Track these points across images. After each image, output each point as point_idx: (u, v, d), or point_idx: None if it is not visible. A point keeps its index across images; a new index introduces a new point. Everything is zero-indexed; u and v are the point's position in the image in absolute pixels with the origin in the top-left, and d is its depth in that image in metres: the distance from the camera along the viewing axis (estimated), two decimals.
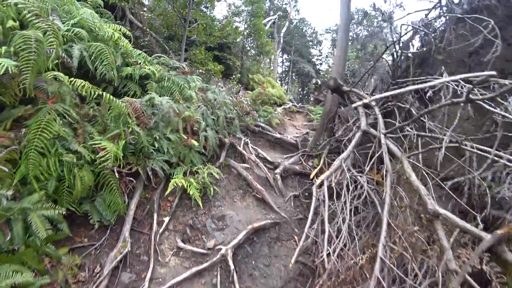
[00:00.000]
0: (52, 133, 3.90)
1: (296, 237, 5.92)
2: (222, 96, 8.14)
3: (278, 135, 10.04)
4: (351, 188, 4.58)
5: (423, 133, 4.94)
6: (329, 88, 7.70)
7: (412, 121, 4.92)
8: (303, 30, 32.19)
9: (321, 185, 4.77)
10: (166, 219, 5.30)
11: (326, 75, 28.21)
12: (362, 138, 6.26)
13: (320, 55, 32.34)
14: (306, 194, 7.56)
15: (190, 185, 5.41)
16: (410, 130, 5.11)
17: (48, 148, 3.94)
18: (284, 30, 27.93)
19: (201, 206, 5.41)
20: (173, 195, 5.66)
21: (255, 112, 11.43)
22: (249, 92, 14.03)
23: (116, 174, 4.60)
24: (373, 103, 6.21)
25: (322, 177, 4.55)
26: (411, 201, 3.93)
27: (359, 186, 4.89)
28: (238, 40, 18.08)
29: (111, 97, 4.47)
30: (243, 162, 7.84)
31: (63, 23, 5.10)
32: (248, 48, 18.54)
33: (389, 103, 6.92)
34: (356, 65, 17.09)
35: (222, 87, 9.83)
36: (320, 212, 4.39)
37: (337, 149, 9.32)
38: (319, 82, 18.51)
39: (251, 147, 8.81)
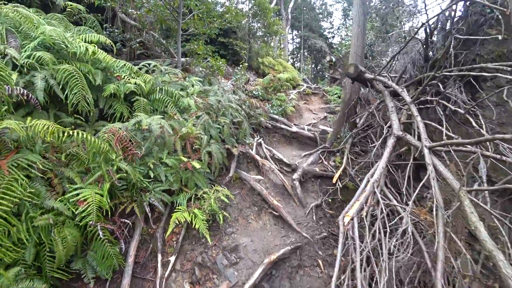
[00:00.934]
0: (15, 199, 3.09)
1: (320, 262, 5.02)
2: (227, 97, 7.12)
3: (294, 129, 8.99)
4: (386, 221, 3.58)
5: (495, 156, 3.51)
6: (349, 76, 6.51)
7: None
8: (312, 3, 30.00)
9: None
10: (172, 259, 4.50)
11: (339, 49, 26.32)
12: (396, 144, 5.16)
13: (331, 28, 30.22)
14: (329, 200, 6.61)
15: (195, 218, 4.56)
16: (469, 146, 3.82)
17: (11, 219, 3.14)
18: (291, 5, 26.01)
19: (209, 241, 4.57)
20: (179, 227, 4.85)
21: (267, 104, 10.37)
22: (260, 79, 12.89)
23: (106, 224, 3.80)
24: (408, 99, 5.03)
25: (351, 213, 3.55)
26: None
27: (396, 215, 3.86)
28: (243, 22, 16.71)
29: (85, 134, 3.59)
30: (256, 169, 6.92)
31: (23, 47, 4.19)
32: (255, 30, 17.14)
33: (425, 93, 5.67)
34: (373, 38, 15.44)
35: (227, 83, 8.75)
36: (349, 252, 3.47)
37: (360, 143, 8.22)
38: (334, 59, 16.99)
39: (265, 147, 7.84)
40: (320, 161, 7.69)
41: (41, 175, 3.58)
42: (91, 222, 3.42)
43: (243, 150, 6.59)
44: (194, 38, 9.81)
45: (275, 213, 5.65)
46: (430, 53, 6.36)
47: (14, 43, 4.52)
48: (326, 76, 25.11)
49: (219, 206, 5.02)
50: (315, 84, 17.28)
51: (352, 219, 3.45)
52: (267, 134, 8.88)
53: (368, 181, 4.20)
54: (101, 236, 3.46)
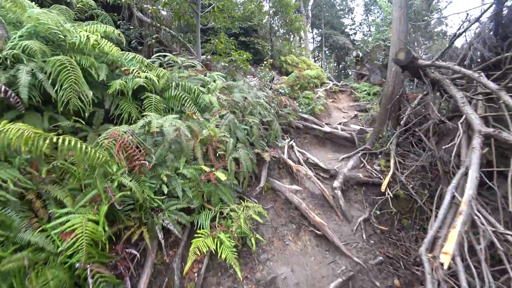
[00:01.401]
0: None
1: None
2: (254, 93, 6.04)
3: (327, 129, 7.78)
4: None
5: None
6: (399, 64, 5.26)
7: None
8: (332, 0, 28.60)
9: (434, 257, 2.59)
10: None
11: (362, 46, 24.76)
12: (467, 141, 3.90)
13: (353, 24, 28.64)
14: (378, 213, 5.38)
15: (220, 245, 3.50)
16: None
17: None
18: (311, 3, 24.73)
19: (239, 275, 3.47)
20: (201, 254, 3.80)
21: (295, 102, 9.23)
22: (284, 77, 11.77)
23: (104, 263, 2.80)
24: (493, 85, 3.77)
25: (449, 248, 2.37)
26: None
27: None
28: (264, 21, 15.67)
29: (72, 142, 2.60)
30: (290, 176, 5.80)
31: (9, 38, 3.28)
32: (276, 28, 16.05)
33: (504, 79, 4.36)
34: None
35: (252, 79, 7.67)
36: None
37: (404, 143, 6.92)
38: (361, 54, 15.60)
39: (297, 150, 6.70)
40: (362, 165, 6.47)
41: (17, 197, 2.62)
42: (78, 264, 2.42)
43: (275, 154, 5.47)
44: (215, 34, 8.81)
45: (317, 232, 4.49)
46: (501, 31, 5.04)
47: (0, 32, 3.64)
48: (350, 73, 23.64)
49: (250, 228, 3.93)
50: (341, 82, 15.97)
51: (453, 258, 2.27)
52: (298, 135, 7.74)
53: (453, 196, 3.00)
54: (90, 285, 2.44)
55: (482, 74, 4.15)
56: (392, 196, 5.55)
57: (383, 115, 6.92)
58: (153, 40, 7.03)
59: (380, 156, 6.68)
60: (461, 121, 4.11)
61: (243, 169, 4.29)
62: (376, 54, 14.99)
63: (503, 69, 4.30)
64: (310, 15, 24.54)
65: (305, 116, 8.58)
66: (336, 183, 5.54)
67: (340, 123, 10.75)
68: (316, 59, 27.73)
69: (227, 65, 6.92)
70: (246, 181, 4.46)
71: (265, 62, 10.00)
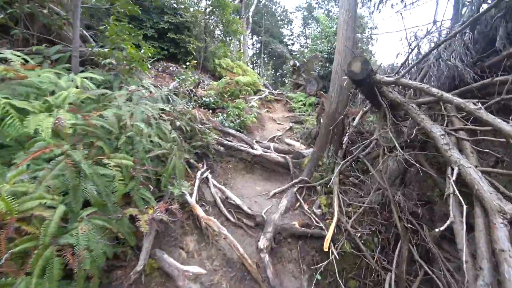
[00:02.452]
0: None
1: None
2: (141, 112, 3.74)
3: (257, 151, 5.85)
4: None
5: None
6: (352, 77, 3.47)
7: None
8: (273, 9, 27.29)
9: None
10: None
11: (299, 56, 23.84)
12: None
13: (291, 35, 27.66)
14: (319, 278, 3.62)
15: None
16: None
17: None
18: (252, 8, 23.01)
19: None
20: None
21: (219, 115, 7.18)
22: (215, 82, 9.67)
23: None
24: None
25: None
26: None
27: None
28: (199, 18, 13.38)
29: None
30: (198, 232, 3.72)
31: None
32: (212, 28, 13.85)
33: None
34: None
35: (153, 87, 5.27)
36: None
37: (353, 169, 5.34)
38: (298, 64, 14.22)
39: (214, 185, 4.67)
40: (298, 204, 4.67)
41: None
42: None
43: (171, 206, 3.30)
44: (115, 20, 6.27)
45: None
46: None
47: None
48: (287, 82, 22.49)
49: None
50: (277, 90, 14.41)
51: None
52: (220, 159, 5.70)
53: None
54: None
55: (481, 106, 2.55)
56: (336, 253, 3.82)
57: (324, 138, 5.25)
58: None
59: (320, 189, 4.98)
60: (449, 173, 2.49)
61: (85, 265, 2.06)
62: (313, 65, 13.73)
63: (496, 97, 2.78)
64: (251, 20, 22.78)
65: (232, 131, 6.58)
66: (263, 242, 3.61)
67: (274, 137, 9.02)
68: (254, 65, 26.13)
69: (113, 62, 4.54)
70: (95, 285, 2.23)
71: (188, 63, 7.78)
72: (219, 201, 4.41)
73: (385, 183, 4.23)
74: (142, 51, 4.97)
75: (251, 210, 4.35)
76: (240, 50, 22.13)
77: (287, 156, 5.66)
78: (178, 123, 4.36)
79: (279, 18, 27.26)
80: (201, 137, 5.09)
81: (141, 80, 4.84)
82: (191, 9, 12.96)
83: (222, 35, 15.05)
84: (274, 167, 5.79)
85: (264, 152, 6.02)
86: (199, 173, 4.65)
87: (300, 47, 26.91)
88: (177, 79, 7.30)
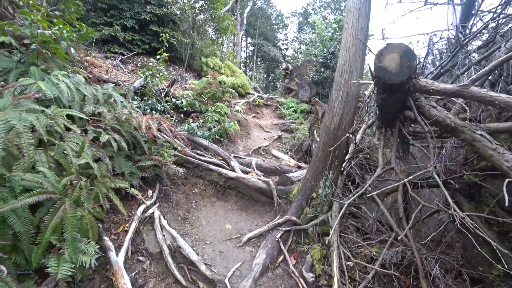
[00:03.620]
0: None
1: None
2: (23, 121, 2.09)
3: (232, 173, 4.23)
4: None
5: None
6: (382, 79, 1.93)
7: None
8: (268, 12, 25.72)
9: None
10: None
11: (292, 61, 22.36)
12: None
13: (286, 40, 26.12)
14: None
15: None
16: None
17: None
18: (247, 10, 21.44)
19: None
20: None
21: (192, 121, 5.54)
22: (195, 82, 8.03)
23: None
24: None
25: None
26: None
27: None
28: (187, 12, 11.71)
29: None
30: None
31: None
32: (201, 23, 12.18)
33: None
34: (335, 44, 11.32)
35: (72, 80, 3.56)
36: None
37: (359, 209, 3.79)
38: (290, 68, 12.68)
39: (161, 227, 3.07)
40: (282, 258, 3.11)
41: None
42: None
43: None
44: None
45: None
46: None
47: None
48: (279, 86, 20.99)
49: None
50: (267, 94, 12.83)
51: None
52: (183, 181, 4.09)
53: None
54: None
55: None
56: None
57: (320, 162, 3.68)
58: None
59: (312, 232, 3.43)
60: None
61: None
62: (307, 69, 12.21)
63: None
64: (245, 22, 21.20)
65: (204, 142, 4.97)
66: None
67: (259, 148, 7.46)
68: (246, 67, 24.53)
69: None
70: None
71: (158, 57, 6.13)
72: (166, 252, 2.80)
73: (410, 240, 2.69)
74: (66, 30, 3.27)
75: (211, 270, 2.74)
76: (234, 51, 20.56)
77: (270, 181, 4.06)
78: (106, 137, 2.72)
79: (274, 21, 25.74)
80: (150, 155, 3.45)
81: (63, 70, 3.16)
82: (179, 1, 11.30)
83: (212, 32, 13.40)
84: (253, 193, 4.19)
85: (242, 173, 4.41)
86: (140, 209, 3.02)
87: (294, 52, 25.49)
88: (142, 75, 5.63)
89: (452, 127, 2.05)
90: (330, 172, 3.63)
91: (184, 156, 4.20)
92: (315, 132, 6.42)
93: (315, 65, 11.34)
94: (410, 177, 2.75)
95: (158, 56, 6.00)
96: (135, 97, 5.37)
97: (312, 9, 23.75)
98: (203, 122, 5.94)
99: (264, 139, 8.38)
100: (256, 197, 4.19)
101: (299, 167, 5.99)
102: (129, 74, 8.79)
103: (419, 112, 2.25)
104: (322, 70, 10.74)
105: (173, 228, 3.21)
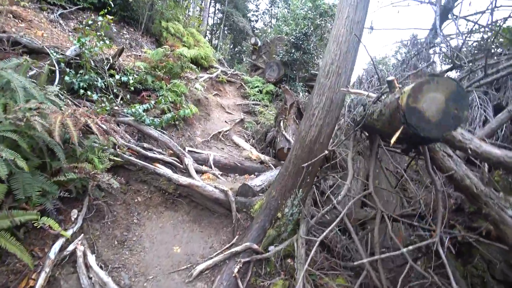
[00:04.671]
0: None
1: None
2: None
3: (183, 179, 3.33)
4: None
5: None
6: (419, 132, 1.19)
7: None
8: None
9: None
10: None
11: (261, 35, 20.91)
12: None
13: (257, 11, 24.12)
14: None
15: None
16: None
17: None
18: None
19: None
20: None
21: (135, 107, 4.41)
22: (150, 52, 6.62)
23: None
24: None
25: None
26: None
27: None
28: None
29: None
30: None
31: None
32: None
33: None
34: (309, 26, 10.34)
35: None
36: None
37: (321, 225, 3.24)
38: (259, 43, 11.50)
39: (86, 265, 2.20)
40: None
41: None
42: None
43: None
44: None
45: None
46: None
47: None
48: (244, 60, 19.64)
49: None
50: (232, 70, 11.61)
51: None
52: (123, 189, 3.14)
53: None
54: None
55: None
56: None
57: (290, 178, 2.98)
58: None
59: (275, 261, 2.82)
60: None
61: None
62: (276, 47, 11.16)
63: None
64: None
65: (153, 132, 3.96)
66: None
67: (219, 133, 6.60)
68: (212, 35, 22.45)
69: None
70: None
71: (100, 18, 4.71)
72: None
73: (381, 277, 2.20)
74: None
75: None
76: (200, 17, 18.45)
77: (229, 192, 3.29)
78: None
79: None
80: (75, 163, 2.43)
81: None
82: None
83: None
84: (209, 203, 3.41)
85: (196, 175, 3.57)
86: (55, 246, 2.08)
87: (263, 26, 23.84)
88: (76, 42, 4.25)
89: (473, 193, 1.44)
90: (300, 190, 2.97)
91: (125, 156, 3.20)
92: (281, 123, 5.70)
93: (286, 44, 10.34)
94: (392, 214, 2.20)
95: (100, 18, 4.59)
96: (68, 70, 4.05)
97: None
98: (155, 103, 4.84)
99: (225, 121, 7.49)
100: (212, 208, 3.42)
101: (262, 163, 5.30)
102: (70, 33, 7.03)
103: (433, 163, 1.60)
104: (293, 51, 9.83)
105: (107, 258, 2.36)
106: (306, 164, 2.79)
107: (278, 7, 22.74)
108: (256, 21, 23.62)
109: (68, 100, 3.51)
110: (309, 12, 11.68)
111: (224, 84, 9.69)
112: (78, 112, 2.49)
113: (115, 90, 4.74)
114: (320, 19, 11.08)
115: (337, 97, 2.76)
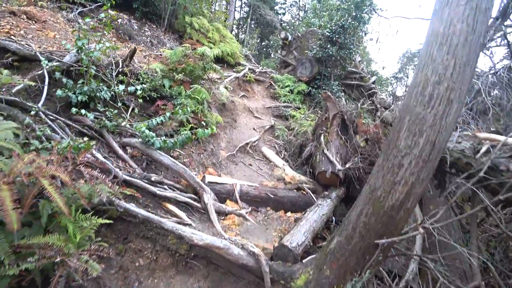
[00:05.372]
0: None
1: None
2: None
3: (198, 238, 2.34)
4: None
5: None
6: None
7: None
8: None
9: None
10: None
11: (289, 28, 19.43)
12: None
13: (284, 3, 22.52)
14: None
15: None
16: None
17: None
18: None
19: None
20: None
21: (141, 128, 3.45)
22: (168, 51, 5.68)
23: None
24: None
25: None
26: None
27: None
28: None
29: None
30: None
31: None
32: None
33: None
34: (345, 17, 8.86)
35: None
36: None
37: None
38: (290, 38, 10.20)
39: None
40: None
41: None
42: None
43: None
44: None
45: None
46: None
47: None
48: (272, 54, 18.37)
49: None
50: (260, 67, 10.43)
51: None
52: (117, 251, 2.25)
53: None
54: None
55: None
56: None
57: (354, 256, 1.92)
58: None
59: None
60: None
61: None
62: (308, 42, 9.82)
63: None
64: None
65: (165, 160, 3.03)
66: None
67: (247, 144, 5.61)
68: (239, 30, 21.30)
69: None
70: None
71: (102, 15, 3.78)
72: None
73: None
74: None
75: None
76: (226, 10, 17.36)
77: (261, 257, 2.27)
78: None
79: None
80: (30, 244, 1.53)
81: None
82: None
83: None
84: (233, 268, 2.43)
85: (218, 226, 2.59)
86: None
87: (291, 19, 22.26)
88: (68, 47, 3.37)
89: None
90: (368, 271, 1.87)
91: (122, 204, 2.27)
92: (322, 138, 4.56)
93: (319, 38, 9.00)
94: None
95: (102, 15, 3.67)
96: (65, 80, 3.20)
97: None
98: (172, 113, 3.90)
99: (253, 129, 6.46)
100: (237, 273, 2.43)
101: (298, 189, 4.22)
102: (88, 32, 6.31)
103: None
104: (328, 46, 8.48)
105: None
106: (384, 241, 1.67)
107: None
108: (284, 14, 22.01)
109: (50, 127, 2.64)
110: (344, 2, 10.15)
111: (252, 83, 8.61)
112: (37, 164, 1.56)
113: (125, 100, 3.86)
114: (356, 10, 9.48)
115: (441, 138, 1.59)
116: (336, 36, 8.42)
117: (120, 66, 4.13)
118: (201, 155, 4.68)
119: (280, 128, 6.54)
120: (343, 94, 8.80)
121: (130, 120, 3.74)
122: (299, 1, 21.86)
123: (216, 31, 9.26)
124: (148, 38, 7.73)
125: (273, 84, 9.14)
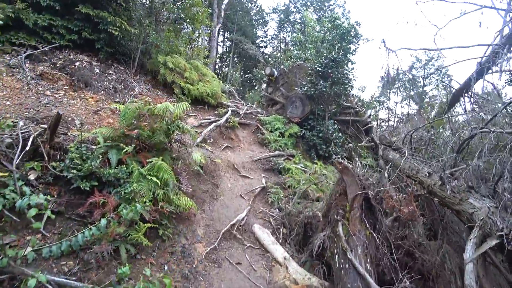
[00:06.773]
0: None
1: None
2: None
3: None
4: None
5: None
6: None
7: None
8: (248, 7, 21.25)
9: None
10: None
11: (270, 60, 18.56)
12: None
13: (265, 37, 21.88)
14: None
15: None
16: None
17: None
18: (225, 1, 16.99)
19: None
20: None
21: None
22: (120, 106, 4.01)
23: None
24: None
25: None
26: None
27: None
28: None
29: None
30: None
31: None
32: (159, 6, 7.87)
33: None
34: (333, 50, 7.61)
35: None
36: None
37: None
38: (276, 74, 8.88)
39: None
40: None
41: None
42: None
43: None
44: None
45: None
46: None
47: None
48: (257, 87, 17.16)
49: None
50: (245, 105, 8.90)
51: None
52: None
53: None
54: None
55: None
56: None
57: None
58: None
59: None
60: None
61: None
62: (296, 77, 8.50)
63: None
64: (222, 14, 16.80)
65: None
66: None
67: (233, 226, 3.87)
68: (222, 63, 20.24)
69: None
70: None
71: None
72: None
73: None
74: None
75: None
76: (209, 47, 16.18)
77: None
78: None
79: (254, 17, 21.42)
80: None
81: None
82: None
83: (176, 20, 9.15)
84: None
85: None
86: None
87: (272, 51, 21.52)
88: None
89: None
90: None
91: None
92: (340, 227, 2.91)
93: (309, 73, 7.70)
94: None
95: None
96: None
97: (294, 7, 19.80)
98: (116, 213, 2.15)
99: (241, 196, 4.77)
100: None
101: None
102: (33, 81, 4.63)
103: None
104: (321, 82, 7.13)
105: None
106: None
107: (287, 31, 20.40)
108: (265, 46, 21.28)
109: None
110: (327, 34, 9.04)
111: (237, 129, 7.03)
112: None
113: (44, 193, 2.10)
114: (342, 42, 8.29)
115: None
116: (329, 70, 7.10)
117: (29, 144, 2.40)
118: (166, 265, 2.91)
119: (274, 192, 4.87)
120: (340, 134, 7.38)
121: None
122: (280, 34, 21.30)
123: (195, 70, 7.77)
124: (111, 84, 6.07)
125: (260, 127, 7.60)
